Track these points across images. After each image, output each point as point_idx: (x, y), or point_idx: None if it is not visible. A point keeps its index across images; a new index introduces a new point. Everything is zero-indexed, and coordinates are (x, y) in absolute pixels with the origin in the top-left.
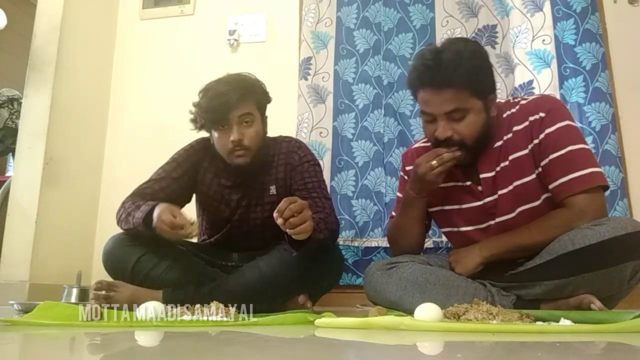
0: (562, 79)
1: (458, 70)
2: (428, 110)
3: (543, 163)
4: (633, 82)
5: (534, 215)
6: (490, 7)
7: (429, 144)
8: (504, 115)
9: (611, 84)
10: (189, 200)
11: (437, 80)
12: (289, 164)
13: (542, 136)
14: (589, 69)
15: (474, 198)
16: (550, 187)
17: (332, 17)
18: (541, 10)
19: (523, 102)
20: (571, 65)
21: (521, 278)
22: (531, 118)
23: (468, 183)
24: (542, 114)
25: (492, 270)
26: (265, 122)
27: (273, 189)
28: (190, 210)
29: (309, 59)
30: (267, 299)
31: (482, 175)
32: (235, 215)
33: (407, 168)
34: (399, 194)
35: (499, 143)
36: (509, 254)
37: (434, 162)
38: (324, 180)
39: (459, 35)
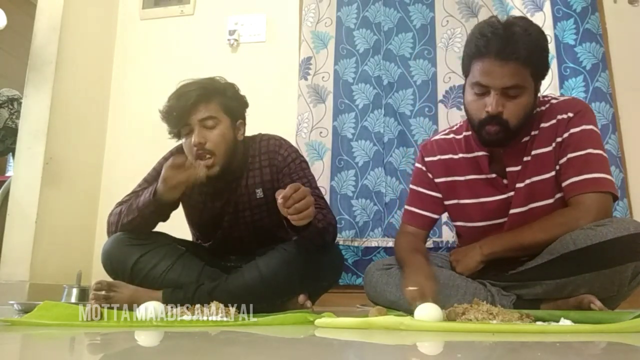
0: (562, 78)
1: (527, 46)
2: (486, 82)
3: (561, 161)
4: (633, 82)
5: (544, 213)
6: (490, 7)
7: (450, 136)
8: (534, 111)
9: (611, 84)
10: (175, 207)
11: (507, 51)
12: (274, 165)
13: (566, 135)
14: (589, 68)
15: (498, 191)
16: (563, 185)
17: (332, 17)
18: (541, 10)
19: (554, 101)
20: (571, 65)
21: (522, 277)
22: (559, 117)
23: (493, 175)
24: (570, 114)
25: (493, 269)
26: (239, 128)
27: (260, 192)
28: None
29: (309, 58)
30: (267, 300)
31: (508, 169)
32: (224, 222)
33: (427, 159)
34: (412, 186)
35: (527, 138)
36: (511, 252)
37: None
38: (313, 177)
39: (460, 35)
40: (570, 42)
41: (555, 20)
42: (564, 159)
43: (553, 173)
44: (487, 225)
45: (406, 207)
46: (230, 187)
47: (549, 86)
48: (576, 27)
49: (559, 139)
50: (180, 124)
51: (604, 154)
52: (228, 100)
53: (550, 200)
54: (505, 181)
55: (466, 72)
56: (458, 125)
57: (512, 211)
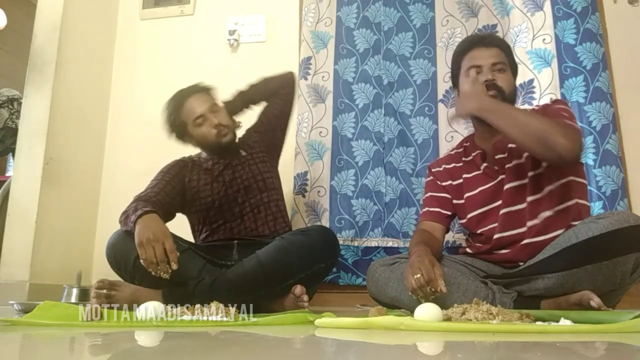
0: (563, 78)
1: (501, 40)
2: (478, 62)
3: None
4: (633, 82)
5: (526, 189)
6: (490, 7)
7: (453, 152)
8: (515, 97)
9: (611, 83)
10: (181, 206)
11: (488, 40)
12: (247, 136)
13: (545, 110)
14: (589, 68)
15: (491, 177)
16: None
17: (332, 16)
18: (541, 9)
19: (537, 107)
20: (571, 64)
21: (525, 272)
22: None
23: (485, 164)
24: (548, 103)
25: (495, 267)
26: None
27: (243, 152)
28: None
29: (309, 58)
30: (266, 287)
31: (497, 156)
32: (226, 179)
33: (434, 170)
34: (424, 196)
35: None
36: (496, 113)
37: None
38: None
39: (460, 35)
40: (570, 42)
41: (556, 19)
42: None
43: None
44: (487, 210)
45: (423, 209)
46: (229, 155)
47: (549, 86)
48: (576, 27)
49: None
50: (199, 118)
51: (575, 123)
52: (213, 92)
53: (525, 180)
54: (496, 167)
55: (456, 77)
56: (457, 143)
57: (507, 186)
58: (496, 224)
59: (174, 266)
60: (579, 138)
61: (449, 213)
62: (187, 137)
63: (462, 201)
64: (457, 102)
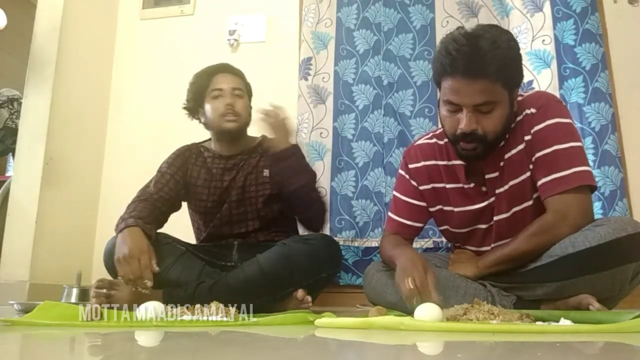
0: (562, 79)
1: (494, 60)
2: (456, 101)
3: (532, 161)
4: (633, 82)
5: (526, 215)
6: (490, 8)
7: (432, 140)
8: (512, 120)
9: (611, 84)
10: (186, 197)
11: (473, 69)
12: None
13: (532, 132)
14: (588, 69)
15: (477, 200)
16: (537, 186)
17: (332, 17)
18: (541, 10)
19: (519, 98)
20: (571, 65)
21: (522, 279)
22: (525, 112)
23: (471, 185)
24: (533, 110)
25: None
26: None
27: (267, 172)
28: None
29: (309, 59)
30: (267, 294)
31: (487, 176)
32: (232, 196)
33: (411, 166)
34: (397, 194)
35: (502, 143)
36: (501, 265)
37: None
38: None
39: None
40: (570, 43)
41: (555, 20)
42: (533, 160)
43: (528, 174)
44: (471, 230)
45: (391, 215)
46: (240, 164)
47: (548, 86)
48: (576, 28)
49: (527, 137)
50: (216, 86)
51: (574, 144)
52: (247, 85)
53: (530, 202)
54: (484, 188)
55: (438, 86)
56: (441, 130)
57: (496, 218)
58: (486, 249)
59: (149, 283)
60: (579, 201)
61: (422, 225)
62: (200, 110)
63: (439, 207)
64: (454, 262)
